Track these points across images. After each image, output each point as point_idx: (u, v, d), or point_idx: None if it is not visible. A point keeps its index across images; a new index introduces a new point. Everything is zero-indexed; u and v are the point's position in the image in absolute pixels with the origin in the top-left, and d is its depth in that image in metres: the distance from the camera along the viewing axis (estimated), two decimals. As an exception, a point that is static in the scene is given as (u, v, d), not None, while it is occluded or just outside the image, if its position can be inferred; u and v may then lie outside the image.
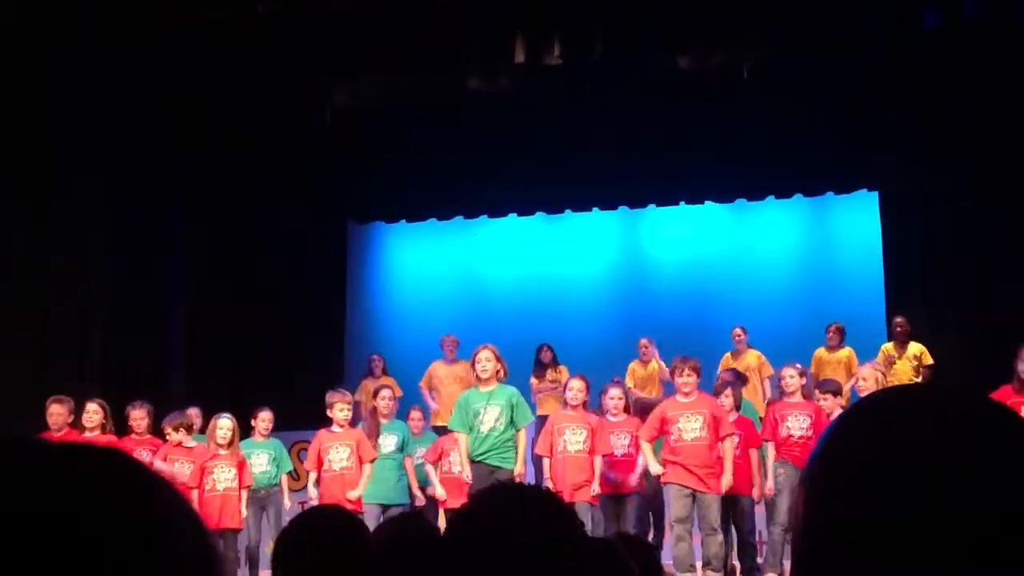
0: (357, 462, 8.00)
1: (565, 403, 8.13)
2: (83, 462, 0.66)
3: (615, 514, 7.82)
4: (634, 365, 10.61)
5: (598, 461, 7.65)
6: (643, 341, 10.67)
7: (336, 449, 8.04)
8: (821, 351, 10.15)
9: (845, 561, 0.76)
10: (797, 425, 7.69)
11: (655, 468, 7.49)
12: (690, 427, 7.46)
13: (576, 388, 7.89)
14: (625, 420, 8.11)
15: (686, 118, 11.00)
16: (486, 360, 7.47)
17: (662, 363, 10.11)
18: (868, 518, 0.76)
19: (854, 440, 0.81)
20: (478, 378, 7.56)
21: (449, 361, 10.81)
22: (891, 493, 0.76)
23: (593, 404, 8.26)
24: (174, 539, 0.65)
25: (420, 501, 8.41)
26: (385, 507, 8.03)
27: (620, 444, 7.98)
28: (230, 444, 8.15)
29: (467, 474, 7.41)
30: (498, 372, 7.51)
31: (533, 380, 10.51)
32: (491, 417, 7.39)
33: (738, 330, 10.48)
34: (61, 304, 9.87)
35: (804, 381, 8.12)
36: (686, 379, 7.61)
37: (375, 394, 8.80)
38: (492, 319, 12.22)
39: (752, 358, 10.32)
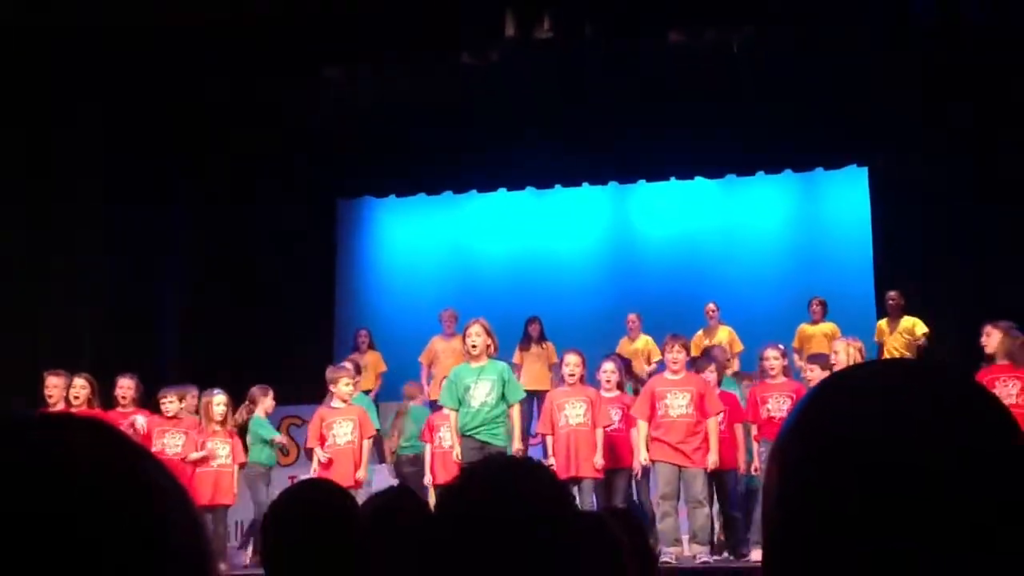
0: (359, 438, 8.03)
1: (562, 379, 8.11)
2: (66, 433, 0.66)
3: (606, 489, 7.86)
4: (623, 341, 10.61)
5: (599, 434, 7.68)
6: (631, 317, 10.69)
7: (340, 424, 8.05)
8: (804, 325, 10.19)
9: (816, 532, 0.76)
10: (777, 407, 7.71)
11: (643, 455, 7.55)
12: (677, 403, 7.52)
13: (572, 363, 7.90)
14: (617, 396, 8.14)
15: (677, 93, 10.97)
16: (476, 335, 7.46)
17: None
18: (840, 489, 0.76)
19: (826, 412, 0.81)
20: (468, 353, 7.53)
21: (448, 336, 10.70)
22: (862, 465, 0.76)
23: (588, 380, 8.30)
24: (160, 509, 0.66)
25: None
26: None
27: (611, 419, 8.02)
28: (224, 421, 8.19)
29: (457, 451, 7.41)
30: (488, 347, 7.49)
31: (517, 352, 10.39)
32: (482, 392, 7.38)
33: (711, 305, 10.47)
34: (58, 303, 9.89)
35: (785, 362, 8.13)
36: (676, 355, 7.66)
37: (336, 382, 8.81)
38: (482, 293, 12.22)
39: (724, 334, 10.32)
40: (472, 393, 7.39)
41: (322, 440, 8.06)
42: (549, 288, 12.26)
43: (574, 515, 1.43)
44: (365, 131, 11.66)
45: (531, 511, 1.36)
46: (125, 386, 8.52)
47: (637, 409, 7.66)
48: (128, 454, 0.68)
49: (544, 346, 10.45)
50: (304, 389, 9.75)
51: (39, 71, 9.53)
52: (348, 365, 8.74)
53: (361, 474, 7.93)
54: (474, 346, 7.45)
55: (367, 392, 9.73)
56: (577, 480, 7.53)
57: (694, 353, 8.91)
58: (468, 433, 7.37)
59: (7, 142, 9.64)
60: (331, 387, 8.18)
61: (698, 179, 12.28)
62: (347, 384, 8.13)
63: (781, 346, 8.22)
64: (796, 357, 9.83)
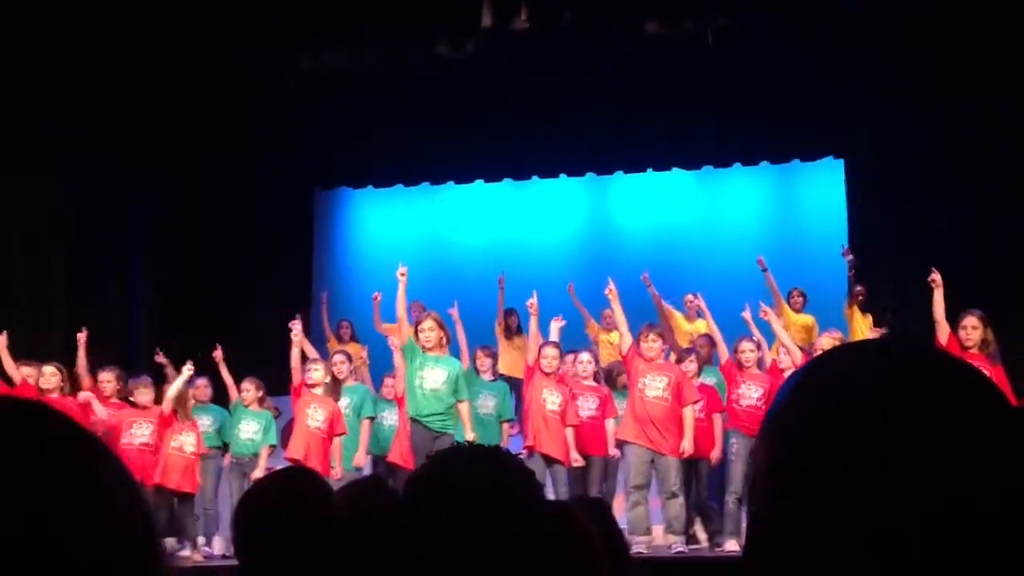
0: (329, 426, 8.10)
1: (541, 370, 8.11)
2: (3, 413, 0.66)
3: (581, 477, 7.88)
4: (601, 333, 10.62)
5: (570, 433, 7.71)
6: (607, 311, 10.66)
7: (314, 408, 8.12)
8: (788, 309, 10.15)
9: (804, 518, 0.75)
10: (749, 394, 7.75)
11: (613, 450, 7.66)
12: (655, 385, 7.57)
13: (550, 356, 7.92)
14: (595, 387, 8.18)
15: (654, 84, 10.98)
16: (429, 329, 7.53)
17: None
18: (826, 473, 0.75)
19: (810, 397, 0.80)
20: (423, 348, 7.56)
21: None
22: (849, 447, 0.75)
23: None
24: (99, 485, 0.65)
25: (359, 462, 8.38)
26: None
27: (587, 407, 8.05)
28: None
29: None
30: (441, 339, 7.54)
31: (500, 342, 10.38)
32: (435, 378, 7.43)
33: (690, 296, 10.46)
34: (27, 302, 9.86)
35: (760, 354, 8.16)
36: (651, 344, 7.69)
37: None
38: (459, 285, 12.16)
39: (701, 325, 10.33)
40: (423, 375, 7.47)
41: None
42: (526, 280, 12.21)
43: (539, 503, 1.42)
44: (342, 122, 11.62)
45: (494, 501, 1.35)
46: (105, 379, 8.49)
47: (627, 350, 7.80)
48: (66, 433, 0.67)
49: (521, 337, 10.47)
50: (282, 381, 9.70)
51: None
52: (339, 356, 8.75)
53: (359, 458, 8.09)
54: (428, 340, 7.51)
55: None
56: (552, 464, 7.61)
57: (678, 340, 9.01)
58: (421, 420, 7.44)
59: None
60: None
61: (675, 170, 12.29)
62: (316, 370, 8.20)
63: (755, 337, 8.24)
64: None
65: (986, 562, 0.72)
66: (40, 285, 10.06)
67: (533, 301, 8.15)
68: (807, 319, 10.08)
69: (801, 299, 10.21)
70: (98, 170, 10.53)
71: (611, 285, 8.05)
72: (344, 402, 8.48)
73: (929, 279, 7.38)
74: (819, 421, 0.78)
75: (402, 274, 7.77)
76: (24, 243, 9.97)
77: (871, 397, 0.77)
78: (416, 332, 7.60)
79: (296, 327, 8.27)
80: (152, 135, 11.32)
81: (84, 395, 8.28)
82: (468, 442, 6.58)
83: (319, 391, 8.18)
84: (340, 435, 8.15)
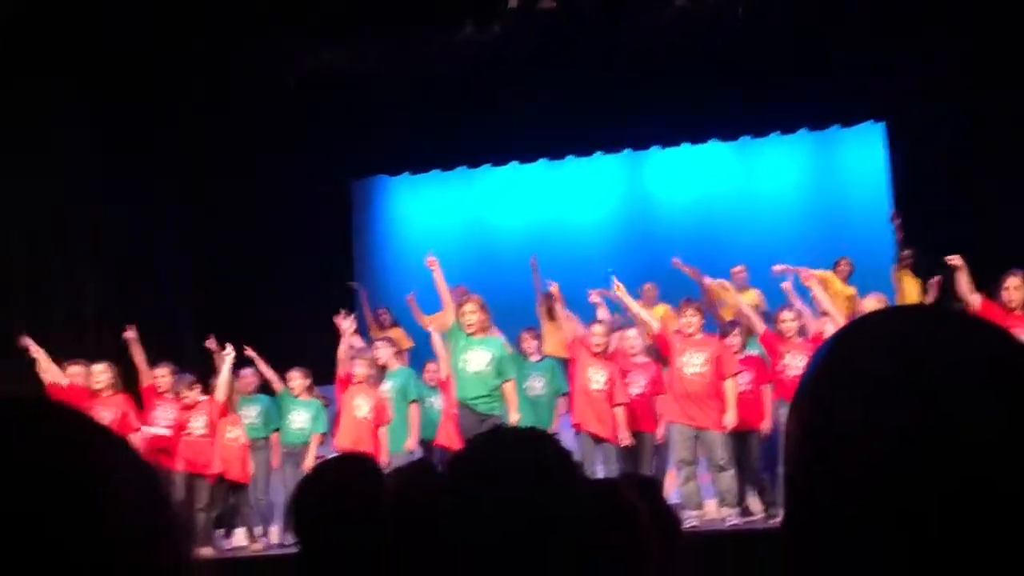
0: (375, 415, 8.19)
1: (587, 349, 8.07)
2: (12, 413, 0.65)
3: (632, 454, 7.87)
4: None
5: (619, 412, 7.69)
6: (647, 287, 10.58)
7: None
8: (833, 276, 9.99)
9: (837, 489, 0.73)
10: (794, 363, 7.69)
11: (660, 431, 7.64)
12: (693, 361, 7.53)
13: (598, 334, 7.91)
14: (644, 363, 8.17)
15: (686, 56, 10.87)
16: (471, 312, 7.52)
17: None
18: (861, 443, 0.72)
19: (844, 362, 0.77)
20: (466, 330, 7.57)
21: None
22: (886, 416, 0.72)
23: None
24: (107, 487, 0.65)
25: (411, 446, 8.42)
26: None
27: (637, 384, 8.04)
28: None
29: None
30: (484, 322, 7.55)
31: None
32: (478, 360, 7.42)
33: (738, 268, 10.36)
34: (63, 299, 9.98)
35: (802, 322, 8.07)
36: (689, 319, 7.66)
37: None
38: (498, 267, 12.19)
39: (752, 296, 10.23)
40: (467, 357, 7.47)
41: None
42: (566, 259, 12.20)
43: (580, 484, 1.42)
44: (374, 110, 11.63)
45: (532, 485, 1.35)
46: (161, 374, 8.58)
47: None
48: (79, 434, 0.66)
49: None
50: (325, 371, 9.76)
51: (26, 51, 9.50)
52: (381, 343, 8.82)
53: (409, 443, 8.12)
54: (469, 324, 7.50)
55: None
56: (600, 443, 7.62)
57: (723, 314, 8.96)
58: (467, 403, 7.47)
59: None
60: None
61: (712, 142, 12.19)
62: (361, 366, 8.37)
63: (796, 307, 8.17)
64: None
65: (1011, 543, 0.69)
66: (74, 284, 10.17)
67: (554, 291, 8.15)
68: (850, 291, 9.95)
69: (848, 268, 10.05)
70: (125, 169, 10.61)
71: (616, 283, 8.02)
72: (387, 386, 8.52)
73: (948, 261, 7.31)
74: (854, 387, 0.75)
75: (431, 263, 7.79)
76: (55, 243, 10.09)
77: (909, 363, 0.74)
78: (458, 315, 7.59)
79: (347, 321, 8.34)
80: (201, 131, 11.39)
81: (144, 431, 8.29)
82: (506, 424, 6.61)
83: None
84: (386, 424, 8.20)
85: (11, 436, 0.64)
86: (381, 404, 8.24)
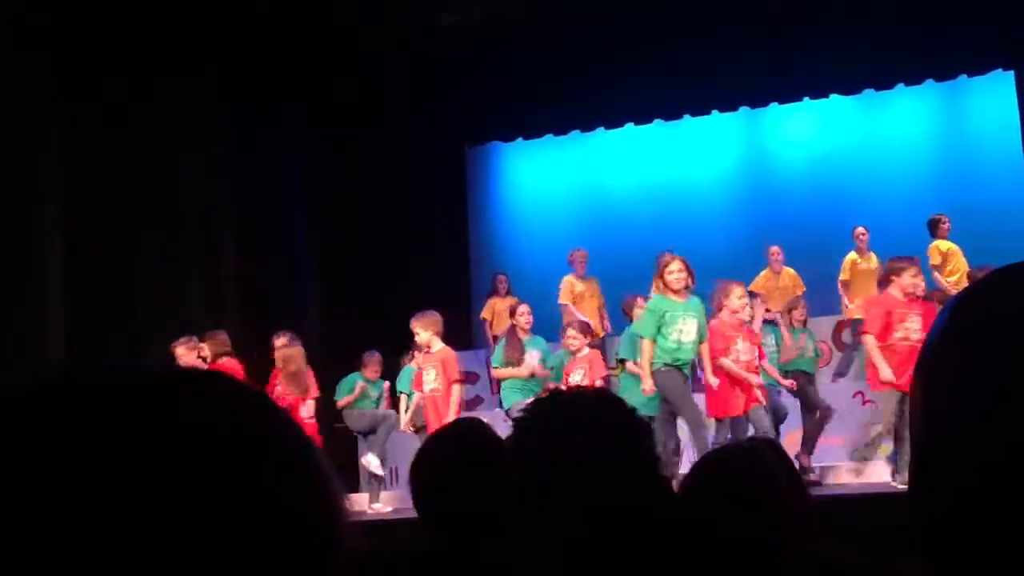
0: (445, 384, 8.14)
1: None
2: (173, 383, 0.65)
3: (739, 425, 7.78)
4: (765, 274, 10.27)
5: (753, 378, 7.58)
6: (773, 249, 10.29)
7: (426, 371, 8.24)
8: (941, 242, 9.65)
9: (968, 453, 0.68)
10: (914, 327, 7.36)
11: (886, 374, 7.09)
12: (914, 328, 7.13)
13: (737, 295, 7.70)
14: (747, 329, 7.95)
15: (804, 9, 10.57)
16: (679, 271, 7.31)
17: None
18: (994, 406, 0.66)
19: (978, 317, 0.71)
20: (671, 288, 7.33)
21: (580, 276, 10.62)
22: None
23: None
24: (273, 462, 0.64)
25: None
26: None
27: (745, 350, 7.84)
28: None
29: (647, 384, 7.26)
30: (687, 282, 7.36)
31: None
32: (691, 329, 7.28)
33: (860, 229, 10.02)
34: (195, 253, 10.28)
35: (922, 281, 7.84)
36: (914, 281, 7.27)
37: (512, 312, 8.83)
38: (614, 231, 12.12)
39: (871, 261, 9.92)
40: (680, 327, 7.26)
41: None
42: (683, 221, 12.06)
43: (646, 451, 1.42)
44: (488, 76, 11.62)
45: (596, 445, 1.36)
46: (279, 344, 8.75)
47: (871, 325, 7.21)
48: (244, 405, 0.66)
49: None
50: (445, 336, 9.85)
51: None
52: (523, 308, 8.77)
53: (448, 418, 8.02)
54: (678, 281, 7.29)
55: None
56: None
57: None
58: (675, 364, 7.28)
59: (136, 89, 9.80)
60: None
61: (833, 97, 11.84)
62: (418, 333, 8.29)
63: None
64: (936, 275, 9.43)
65: None
66: (213, 262, 10.47)
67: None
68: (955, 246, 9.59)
69: (948, 225, 9.65)
70: (254, 133, 10.85)
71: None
72: (535, 354, 8.46)
73: None
74: (983, 345, 0.69)
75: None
76: (194, 221, 10.39)
77: None
78: (663, 276, 7.37)
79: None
80: (306, 98, 11.58)
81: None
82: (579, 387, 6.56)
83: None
84: (457, 382, 8.18)
85: (184, 400, 0.64)
86: (445, 363, 8.26)
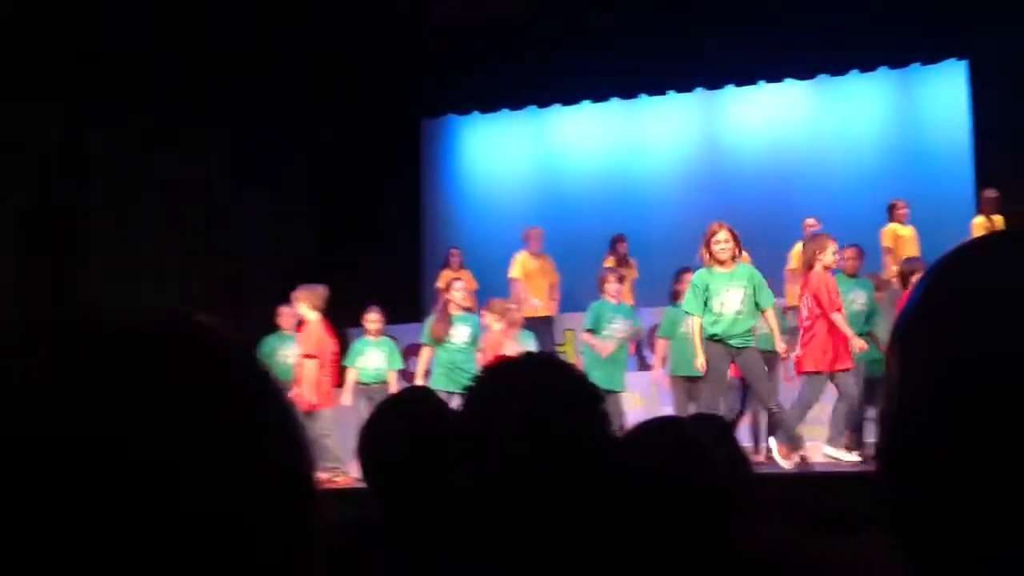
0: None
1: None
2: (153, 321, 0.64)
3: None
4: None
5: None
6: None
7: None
8: (895, 226, 9.80)
9: (944, 426, 0.68)
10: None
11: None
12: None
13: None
14: None
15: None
16: (724, 241, 7.04)
17: None
18: (976, 377, 0.66)
19: (959, 286, 0.71)
20: (716, 259, 7.09)
21: (534, 253, 10.51)
22: (1002, 346, 0.66)
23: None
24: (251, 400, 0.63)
25: None
26: (454, 395, 8.11)
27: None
28: None
29: (700, 361, 7.09)
30: (734, 252, 7.10)
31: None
32: (734, 299, 7.04)
33: (810, 220, 10.07)
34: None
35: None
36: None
37: (448, 287, 8.84)
38: (568, 208, 12.14)
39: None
40: (723, 299, 7.03)
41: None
42: (636, 200, 12.10)
43: (603, 415, 1.43)
44: (445, 49, 11.54)
45: (546, 413, 1.37)
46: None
47: (833, 302, 7.21)
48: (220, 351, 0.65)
49: (629, 263, 10.30)
50: (394, 309, 9.83)
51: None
52: (459, 284, 8.79)
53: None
54: (723, 251, 7.03)
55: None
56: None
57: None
58: (720, 338, 7.05)
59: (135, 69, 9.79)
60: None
61: (788, 81, 11.92)
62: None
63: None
64: (889, 259, 9.57)
65: None
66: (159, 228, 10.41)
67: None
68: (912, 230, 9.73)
69: (906, 210, 9.78)
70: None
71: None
72: (463, 331, 8.49)
73: None
74: (961, 317, 0.69)
75: None
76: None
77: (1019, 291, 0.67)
78: (709, 247, 7.12)
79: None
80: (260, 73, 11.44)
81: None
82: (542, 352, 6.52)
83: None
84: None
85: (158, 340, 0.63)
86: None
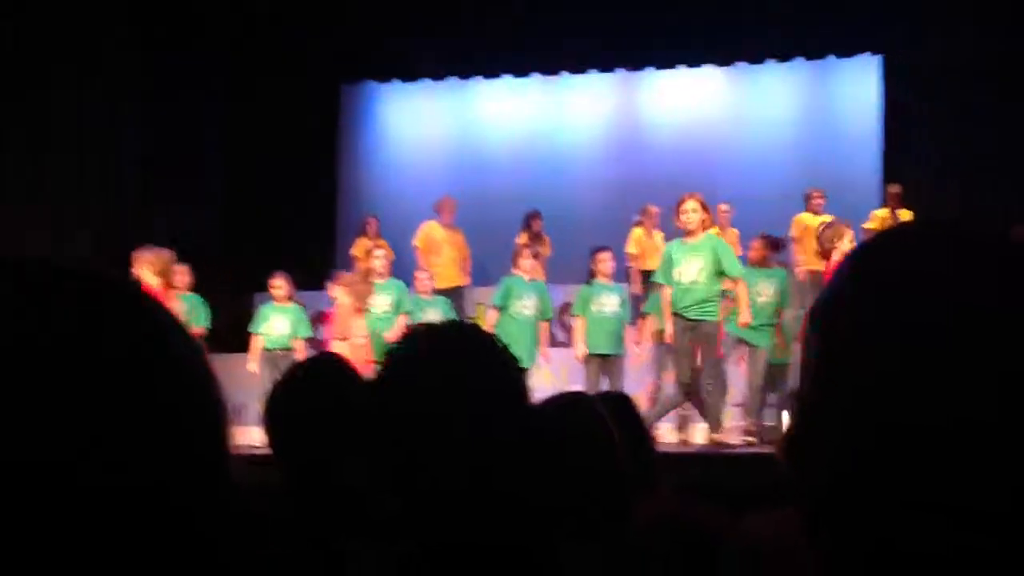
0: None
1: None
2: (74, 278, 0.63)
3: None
4: (640, 234, 10.25)
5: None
6: (652, 210, 10.23)
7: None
8: (806, 216, 9.94)
9: (862, 406, 0.68)
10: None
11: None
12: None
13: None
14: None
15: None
16: (692, 211, 6.99)
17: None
18: (894, 360, 0.67)
19: (878, 272, 0.71)
20: (685, 228, 7.07)
21: (446, 224, 10.42)
22: (918, 325, 0.67)
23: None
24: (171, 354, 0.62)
25: None
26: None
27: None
28: None
29: (669, 331, 7.11)
30: (704, 221, 7.07)
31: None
32: (692, 269, 7.01)
33: (723, 206, 10.15)
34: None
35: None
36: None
37: (368, 255, 8.78)
38: (485, 181, 12.11)
39: (732, 236, 10.11)
40: (681, 270, 7.01)
41: None
42: (554, 176, 12.13)
43: (519, 381, 1.44)
44: (367, 15, 11.39)
45: (462, 376, 1.39)
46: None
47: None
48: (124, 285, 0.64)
49: (543, 241, 10.28)
50: (308, 276, 9.71)
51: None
52: (379, 252, 8.73)
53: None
54: (690, 222, 6.99)
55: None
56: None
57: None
58: (679, 312, 7.02)
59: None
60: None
61: (707, 67, 12.04)
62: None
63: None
64: (796, 248, 9.75)
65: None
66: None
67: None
68: (828, 219, 9.89)
69: (823, 200, 9.94)
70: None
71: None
72: (384, 299, 8.44)
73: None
74: (878, 307, 0.70)
75: None
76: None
77: (943, 282, 0.68)
78: (679, 217, 7.14)
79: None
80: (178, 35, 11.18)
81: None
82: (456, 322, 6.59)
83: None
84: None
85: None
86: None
